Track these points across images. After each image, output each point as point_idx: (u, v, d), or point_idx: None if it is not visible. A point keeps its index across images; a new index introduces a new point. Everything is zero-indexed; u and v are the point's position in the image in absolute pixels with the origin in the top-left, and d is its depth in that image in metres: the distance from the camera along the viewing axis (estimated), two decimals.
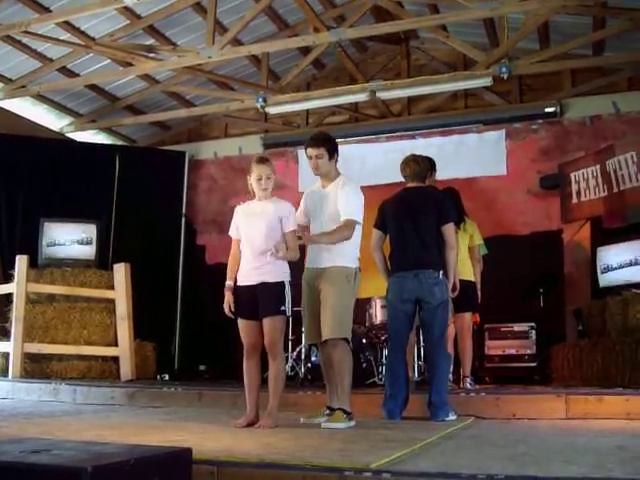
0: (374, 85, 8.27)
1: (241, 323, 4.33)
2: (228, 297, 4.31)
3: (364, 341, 6.91)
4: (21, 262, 7.34)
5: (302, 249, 4.49)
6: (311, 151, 4.65)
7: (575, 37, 7.60)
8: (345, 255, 4.54)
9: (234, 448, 3.20)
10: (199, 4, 7.86)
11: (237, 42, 8.30)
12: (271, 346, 4.23)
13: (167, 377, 8.23)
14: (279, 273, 4.27)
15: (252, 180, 4.37)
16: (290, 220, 4.34)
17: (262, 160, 4.40)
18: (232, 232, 4.49)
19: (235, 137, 10.37)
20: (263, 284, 4.23)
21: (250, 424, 4.18)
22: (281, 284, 4.25)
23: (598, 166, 7.66)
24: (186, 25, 8.28)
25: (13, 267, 7.39)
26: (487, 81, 7.72)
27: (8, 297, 7.51)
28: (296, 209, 4.57)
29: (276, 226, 4.30)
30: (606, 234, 7.39)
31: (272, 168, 4.37)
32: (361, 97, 8.41)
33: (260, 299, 4.23)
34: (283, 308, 4.22)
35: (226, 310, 4.32)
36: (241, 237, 4.39)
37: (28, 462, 2.11)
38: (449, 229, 4.82)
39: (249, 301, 4.25)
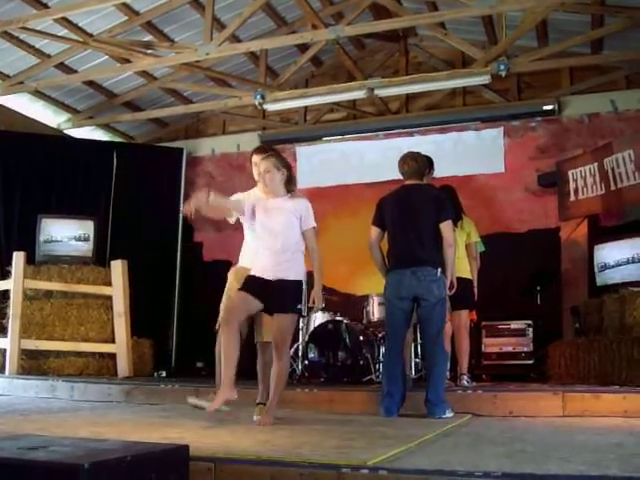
0: (372, 82, 8.25)
1: (240, 293, 4.22)
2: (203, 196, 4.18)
3: (361, 338, 6.91)
4: (18, 258, 7.33)
5: None
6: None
7: (574, 35, 7.59)
8: None
9: (231, 445, 3.20)
10: (197, 0, 7.85)
11: (235, 39, 8.28)
12: (280, 343, 4.18)
13: (164, 374, 8.23)
14: (297, 272, 4.24)
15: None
16: (309, 217, 4.33)
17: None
18: (239, 201, 4.49)
19: (233, 134, 10.35)
20: (281, 281, 4.20)
21: (227, 402, 4.07)
22: (299, 283, 4.22)
23: (596, 164, 7.67)
24: (184, 22, 8.27)
25: (10, 263, 7.39)
26: (485, 79, 7.71)
27: (5, 293, 7.51)
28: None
29: (295, 223, 4.28)
30: (603, 232, 7.40)
31: (273, 162, 4.35)
32: (359, 94, 8.38)
33: (276, 295, 4.18)
34: (299, 307, 4.20)
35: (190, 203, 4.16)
36: (256, 227, 4.36)
37: (25, 459, 2.11)
38: (447, 226, 4.82)
39: (260, 287, 4.19)
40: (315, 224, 4.38)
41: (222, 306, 4.64)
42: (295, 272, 4.23)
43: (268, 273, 4.23)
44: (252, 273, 4.30)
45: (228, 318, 4.16)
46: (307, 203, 4.40)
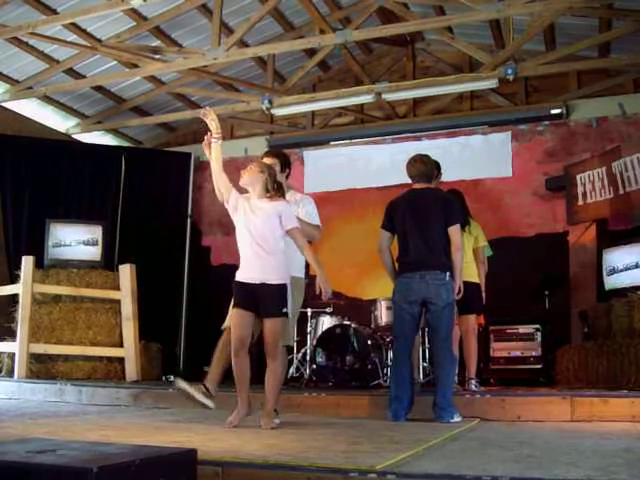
0: (380, 87, 8.27)
1: (236, 313, 4.27)
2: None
3: (369, 342, 6.90)
4: (27, 263, 7.36)
5: None
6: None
7: (581, 39, 7.59)
8: None
9: (239, 449, 3.20)
10: (205, 6, 7.88)
11: (243, 44, 8.31)
12: (271, 347, 4.22)
13: (172, 378, 8.22)
14: (281, 274, 4.25)
15: None
16: (290, 217, 4.30)
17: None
18: (232, 200, 4.41)
19: (241, 138, 10.37)
20: (265, 285, 4.21)
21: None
22: (283, 286, 4.23)
23: (604, 168, 7.65)
24: (192, 27, 8.30)
25: (19, 268, 7.42)
26: (493, 83, 7.72)
27: (14, 298, 7.53)
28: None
29: (275, 225, 4.26)
30: (612, 236, 7.38)
31: (253, 169, 4.40)
32: (367, 99, 8.41)
33: (261, 299, 4.21)
34: (285, 310, 4.21)
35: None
36: (238, 230, 4.36)
37: (34, 462, 2.12)
38: (455, 231, 4.81)
39: (249, 296, 4.24)
40: (298, 224, 4.34)
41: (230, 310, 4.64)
42: (278, 275, 4.24)
43: (252, 276, 4.25)
44: (238, 279, 4.32)
45: (236, 349, 4.23)
46: (286, 204, 4.35)
